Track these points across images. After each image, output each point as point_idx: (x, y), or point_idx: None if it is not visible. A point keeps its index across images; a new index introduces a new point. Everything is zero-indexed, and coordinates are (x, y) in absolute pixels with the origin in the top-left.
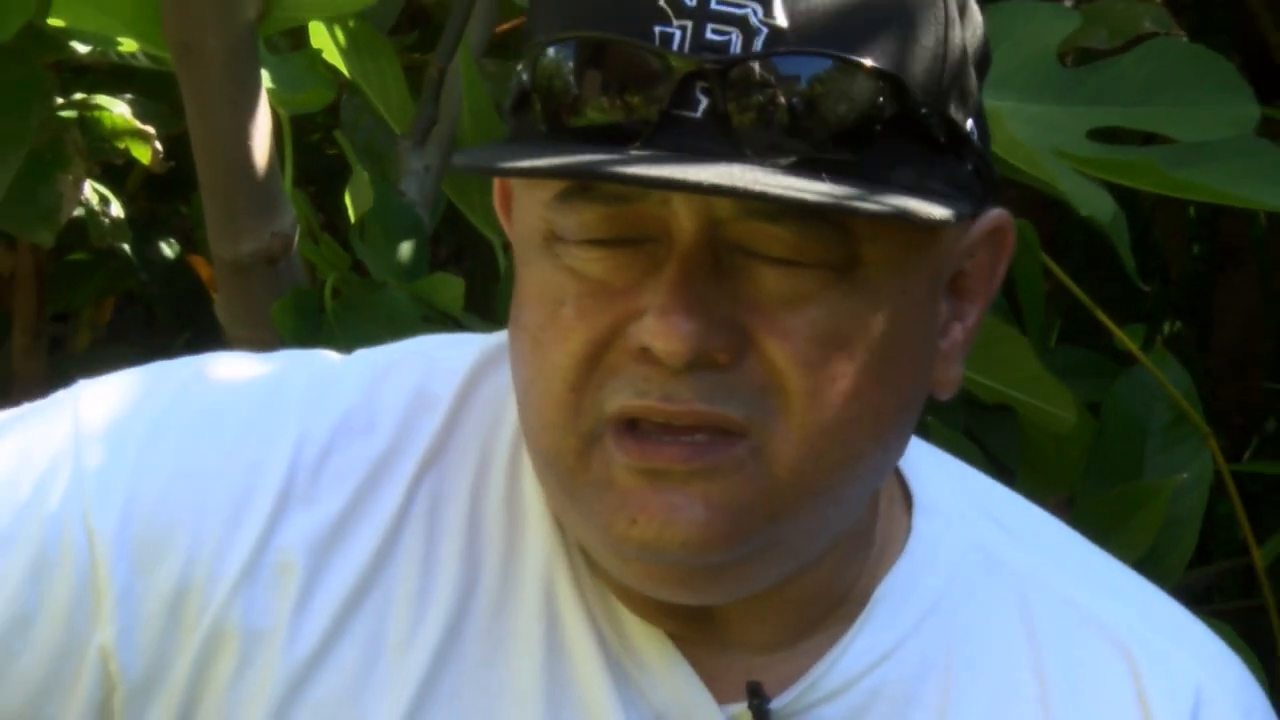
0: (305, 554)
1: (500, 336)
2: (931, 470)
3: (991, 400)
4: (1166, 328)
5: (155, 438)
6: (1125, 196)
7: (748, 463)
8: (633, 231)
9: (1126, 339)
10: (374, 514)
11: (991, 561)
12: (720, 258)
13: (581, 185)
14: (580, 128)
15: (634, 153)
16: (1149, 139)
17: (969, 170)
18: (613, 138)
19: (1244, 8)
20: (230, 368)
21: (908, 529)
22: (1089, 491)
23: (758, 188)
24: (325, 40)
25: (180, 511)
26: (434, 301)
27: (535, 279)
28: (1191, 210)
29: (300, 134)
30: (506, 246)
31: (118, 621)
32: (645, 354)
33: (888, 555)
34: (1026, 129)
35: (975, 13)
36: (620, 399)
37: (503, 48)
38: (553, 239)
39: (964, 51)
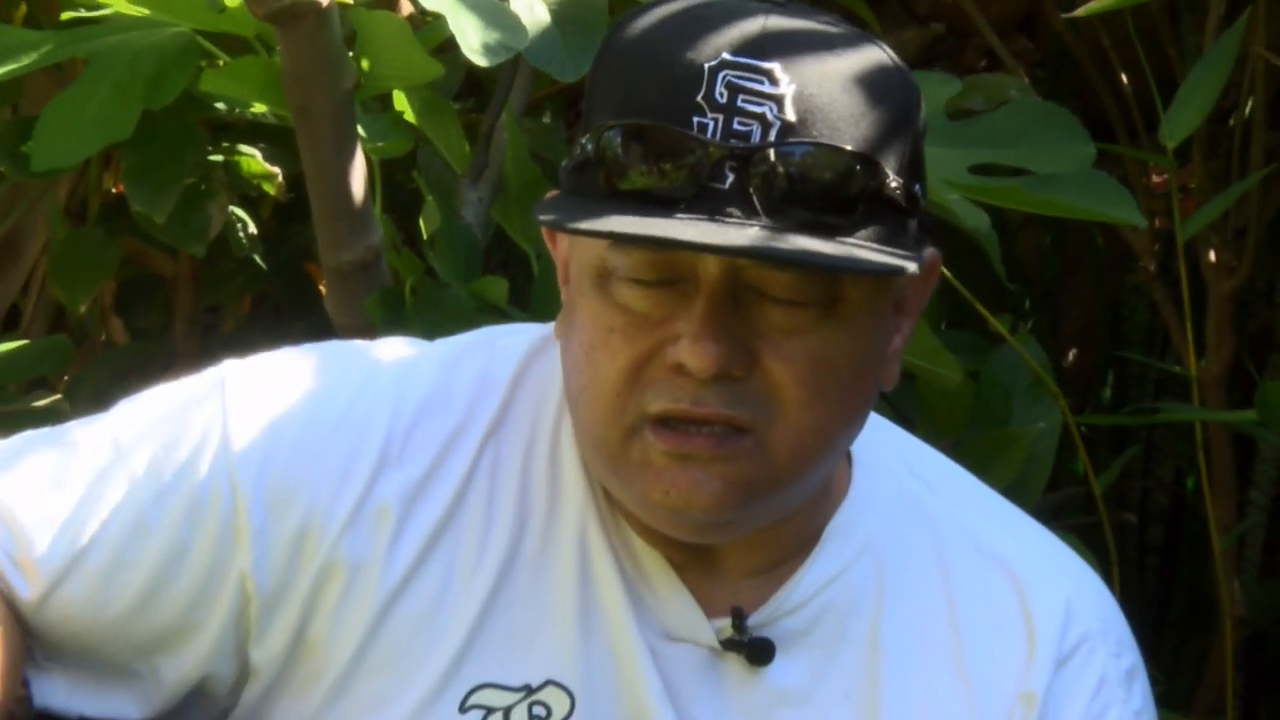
0: (397, 504)
1: (546, 328)
2: (868, 434)
3: None
4: (1028, 317)
5: (283, 414)
6: (997, 221)
7: (754, 451)
8: (670, 273)
9: (998, 324)
10: (449, 473)
11: (912, 506)
12: (737, 295)
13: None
14: (632, 191)
15: (679, 216)
16: (1015, 172)
17: (918, 223)
18: (659, 202)
19: (1084, 77)
20: (338, 358)
21: (849, 480)
22: (969, 436)
23: (781, 247)
24: (405, 104)
25: (302, 472)
26: (486, 297)
27: (590, 308)
28: (1047, 238)
29: (387, 173)
30: (539, 257)
31: (254, 553)
32: (679, 369)
33: (834, 501)
34: None
35: (923, 99)
36: (661, 403)
37: (537, 110)
38: (606, 274)
39: (920, 132)
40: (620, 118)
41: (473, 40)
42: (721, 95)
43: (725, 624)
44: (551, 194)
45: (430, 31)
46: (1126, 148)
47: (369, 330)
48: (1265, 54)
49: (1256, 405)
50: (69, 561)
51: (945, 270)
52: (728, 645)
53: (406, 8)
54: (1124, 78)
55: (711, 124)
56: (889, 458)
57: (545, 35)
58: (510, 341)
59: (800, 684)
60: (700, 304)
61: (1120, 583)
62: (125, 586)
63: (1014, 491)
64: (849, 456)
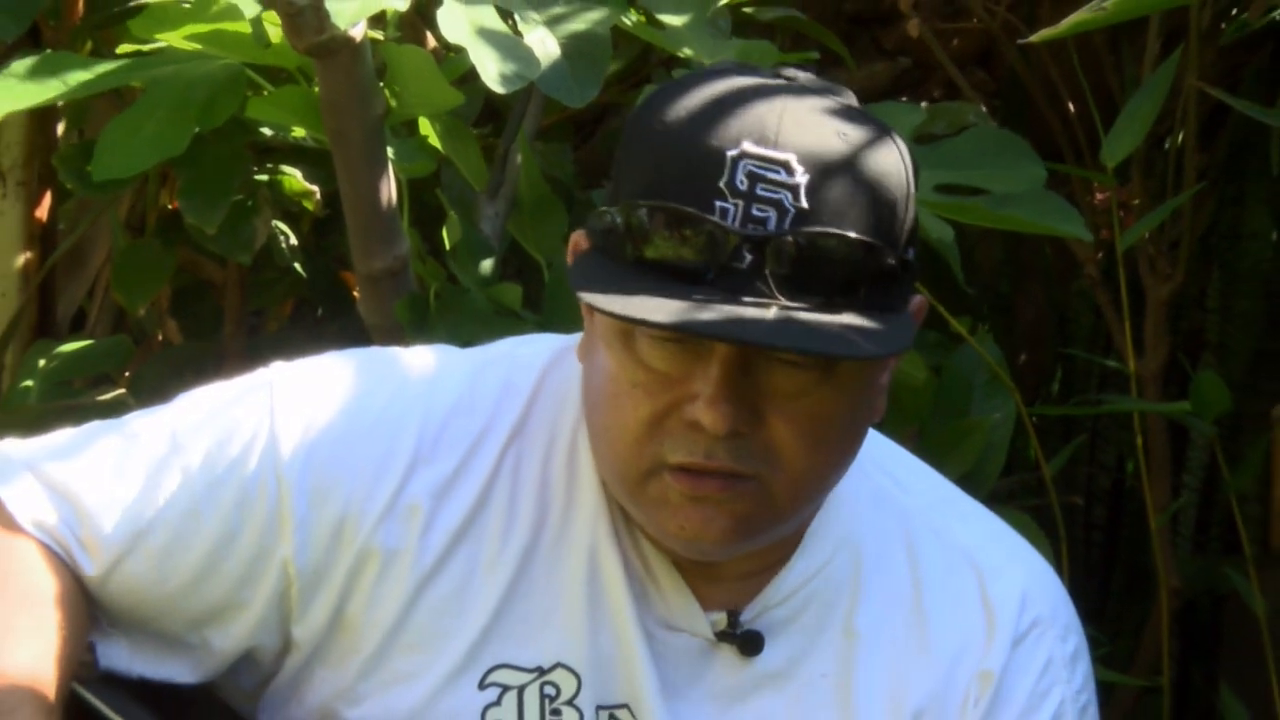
0: (428, 499)
1: (563, 339)
2: None
3: None
4: (985, 319)
5: (325, 414)
6: (957, 234)
7: (757, 493)
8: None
9: (958, 326)
10: (475, 472)
11: (883, 502)
12: (748, 359)
13: None
14: (657, 263)
15: (697, 296)
16: (974, 191)
17: (911, 280)
18: (682, 276)
19: (1035, 105)
20: (374, 365)
21: None
22: (933, 426)
23: (795, 344)
24: (429, 129)
25: (341, 468)
26: (502, 302)
27: (615, 359)
28: (1001, 250)
29: (413, 191)
30: (550, 265)
31: (296, 540)
32: (695, 425)
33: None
34: None
35: (905, 145)
36: (678, 455)
37: (547, 134)
38: (629, 330)
39: (915, 208)
40: (647, 197)
41: (491, 71)
42: (742, 183)
43: (720, 617)
44: (581, 243)
45: (453, 64)
46: (1073, 167)
47: (398, 330)
48: (1198, 84)
49: (1190, 397)
50: (130, 541)
51: None
52: (722, 637)
53: (431, 42)
54: (1070, 106)
55: (732, 209)
56: (862, 458)
57: (555, 66)
58: (529, 351)
59: (783, 667)
60: (716, 370)
61: (1068, 558)
62: (180, 565)
63: (972, 476)
64: None
